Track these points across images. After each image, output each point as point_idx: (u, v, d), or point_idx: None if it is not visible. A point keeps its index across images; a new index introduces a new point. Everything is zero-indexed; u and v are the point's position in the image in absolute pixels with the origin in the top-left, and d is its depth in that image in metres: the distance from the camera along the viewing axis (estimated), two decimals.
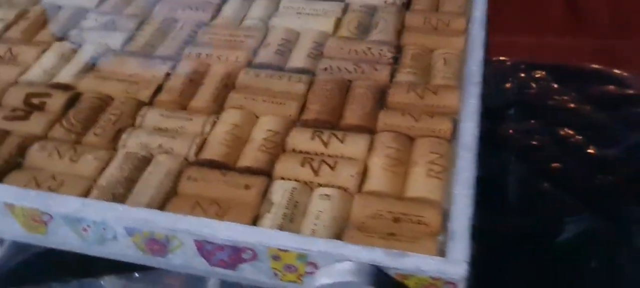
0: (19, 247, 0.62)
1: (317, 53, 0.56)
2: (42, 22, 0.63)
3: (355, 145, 0.47)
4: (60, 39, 0.60)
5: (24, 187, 0.45)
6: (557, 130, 0.67)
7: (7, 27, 0.62)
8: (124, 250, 0.43)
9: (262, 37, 0.58)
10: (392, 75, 0.53)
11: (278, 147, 0.47)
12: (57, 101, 0.53)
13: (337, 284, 0.37)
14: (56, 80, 0.55)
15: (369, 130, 0.49)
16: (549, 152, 0.65)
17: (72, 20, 0.62)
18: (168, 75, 0.55)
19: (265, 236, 0.39)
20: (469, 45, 0.54)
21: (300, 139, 0.48)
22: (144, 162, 0.47)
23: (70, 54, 0.58)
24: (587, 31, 0.77)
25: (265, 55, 0.56)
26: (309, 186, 0.45)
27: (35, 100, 0.53)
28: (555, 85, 0.72)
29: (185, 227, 0.40)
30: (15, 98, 0.54)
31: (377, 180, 0.44)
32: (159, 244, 0.42)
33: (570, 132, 0.67)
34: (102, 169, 0.47)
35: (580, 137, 0.66)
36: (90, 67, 0.56)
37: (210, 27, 0.60)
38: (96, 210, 0.41)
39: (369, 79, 0.53)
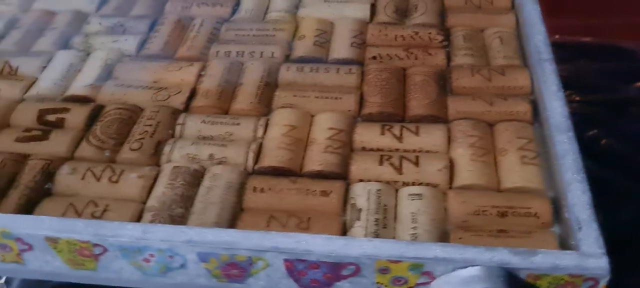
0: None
1: (360, 42, 0.51)
2: (37, 30, 0.55)
3: (431, 136, 0.43)
4: (64, 47, 0.53)
5: (63, 217, 0.38)
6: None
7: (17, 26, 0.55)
8: (194, 279, 0.37)
9: (293, 30, 0.53)
10: (449, 59, 0.49)
11: (346, 147, 0.42)
12: (77, 116, 0.46)
13: None
14: (70, 92, 0.48)
15: (439, 119, 0.44)
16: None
17: (71, 26, 0.55)
18: (200, 77, 0.49)
19: (375, 247, 0.33)
20: (525, 21, 0.50)
21: (369, 135, 0.43)
22: (196, 176, 0.41)
23: (79, 63, 0.51)
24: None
25: (303, 48, 0.51)
26: (392, 186, 0.40)
27: (51, 117, 0.46)
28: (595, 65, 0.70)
29: (275, 245, 0.34)
30: (26, 116, 0.47)
31: (468, 173, 0.40)
32: (239, 268, 0.36)
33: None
34: (150, 188, 0.41)
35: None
36: (106, 76, 0.50)
37: (233, 22, 0.55)
38: (163, 236, 0.35)
39: (425, 65, 0.49)
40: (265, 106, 0.46)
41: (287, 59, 0.50)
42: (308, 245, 0.34)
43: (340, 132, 0.43)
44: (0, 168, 0.42)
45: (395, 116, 0.45)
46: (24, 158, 0.43)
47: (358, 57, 0.50)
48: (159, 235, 0.35)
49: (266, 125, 0.44)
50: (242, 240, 0.35)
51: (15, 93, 0.49)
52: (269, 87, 0.47)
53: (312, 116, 0.45)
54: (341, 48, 0.51)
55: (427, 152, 0.42)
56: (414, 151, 0.42)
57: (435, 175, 0.40)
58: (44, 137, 0.44)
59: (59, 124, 0.46)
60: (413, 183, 0.40)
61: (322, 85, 0.47)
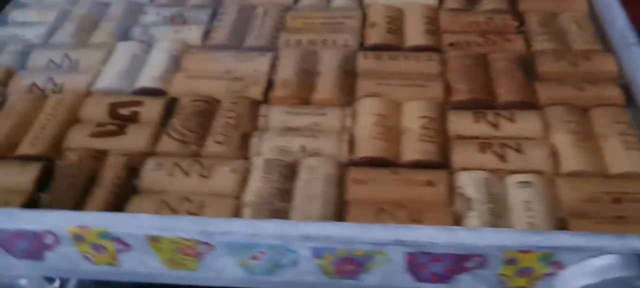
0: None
1: (434, 28, 0.50)
2: (92, 21, 0.53)
3: (528, 123, 0.41)
4: (122, 39, 0.51)
5: (157, 214, 0.36)
6: None
7: (52, 30, 0.52)
8: (302, 276, 0.35)
9: (362, 17, 0.51)
10: (528, 44, 0.48)
11: (441, 135, 0.41)
12: (151, 109, 0.44)
13: (605, 282, 0.31)
14: (140, 85, 0.46)
15: (530, 105, 0.43)
16: None
17: (128, 16, 0.53)
18: (273, 67, 0.47)
19: (507, 237, 0.32)
20: (601, 5, 0.49)
21: (464, 123, 0.42)
22: (291, 169, 0.39)
23: (142, 55, 0.49)
24: None
25: (377, 35, 0.49)
26: (497, 174, 0.38)
27: (124, 111, 0.44)
28: None
29: (399, 238, 0.33)
30: (97, 111, 0.44)
31: (574, 159, 0.39)
32: (354, 263, 0.34)
33: None
34: (243, 183, 0.39)
35: None
36: (174, 67, 0.48)
37: (298, 10, 0.53)
38: (278, 231, 0.34)
39: (505, 51, 0.47)
40: (347, 95, 0.44)
41: (361, 46, 0.49)
42: (435, 237, 0.33)
43: (433, 120, 0.42)
44: (77, 165, 0.40)
45: (484, 103, 0.43)
46: (101, 154, 0.41)
47: (434, 44, 0.48)
48: (272, 230, 0.34)
49: (353, 115, 0.43)
50: (364, 233, 0.33)
51: (81, 86, 0.46)
52: (348, 75, 0.46)
53: (399, 104, 0.44)
54: (416, 35, 0.49)
55: (526, 138, 0.41)
56: (514, 138, 0.40)
57: (541, 162, 0.39)
58: (120, 131, 0.42)
59: (134, 118, 0.44)
60: (518, 171, 0.38)
61: (404, 73, 0.46)
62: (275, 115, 0.43)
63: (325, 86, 0.45)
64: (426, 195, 0.37)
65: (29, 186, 0.39)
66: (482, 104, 0.43)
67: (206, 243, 0.34)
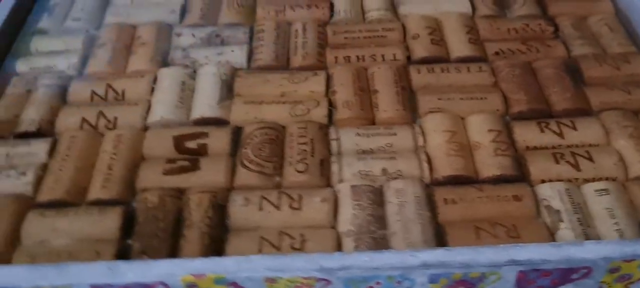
0: None
1: (475, 37, 0.51)
2: (124, 46, 0.51)
3: (589, 130, 0.44)
4: (162, 64, 0.50)
5: (260, 253, 0.36)
6: None
7: (84, 59, 0.50)
8: None
9: (402, 29, 0.52)
10: (568, 50, 0.50)
11: (511, 147, 0.43)
12: (218, 140, 0.43)
13: None
14: (198, 114, 0.45)
15: (585, 111, 0.45)
16: None
17: (161, 39, 0.52)
18: (330, 86, 0.47)
19: (616, 249, 0.34)
20: (628, 7, 0.52)
21: (530, 134, 0.43)
22: (378, 194, 0.40)
23: (190, 81, 0.48)
24: None
25: (423, 48, 0.50)
26: (574, 183, 0.41)
27: (190, 144, 0.43)
28: None
29: (515, 258, 0.34)
30: (161, 145, 0.43)
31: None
32: (467, 285, 0.36)
33: None
34: (335, 212, 0.39)
35: None
36: (227, 93, 0.47)
37: (337, 25, 0.53)
38: (397, 262, 0.34)
39: (548, 57, 0.49)
40: (410, 112, 0.45)
41: (409, 60, 0.50)
42: (547, 254, 0.34)
43: (500, 133, 0.43)
44: (160, 207, 0.39)
45: (542, 112, 0.45)
46: (179, 192, 0.40)
47: (480, 54, 0.50)
48: (393, 262, 0.34)
49: (423, 133, 0.44)
50: (480, 256, 0.34)
51: (135, 120, 0.45)
52: (405, 91, 0.47)
53: (462, 119, 0.45)
54: (460, 45, 0.50)
55: (590, 146, 0.43)
56: (578, 146, 0.43)
57: (612, 168, 0.41)
58: (194, 167, 0.42)
59: (202, 151, 0.43)
60: (593, 179, 0.41)
61: (460, 86, 0.47)
62: (347, 139, 0.43)
63: (387, 104, 0.46)
64: (515, 210, 0.39)
65: (115, 234, 0.38)
66: (540, 113, 0.45)
67: (325, 279, 0.34)
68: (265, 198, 0.40)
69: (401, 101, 0.46)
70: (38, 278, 0.34)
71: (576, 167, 0.41)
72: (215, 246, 0.37)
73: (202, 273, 0.34)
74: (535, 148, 0.43)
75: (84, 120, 0.45)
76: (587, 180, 0.41)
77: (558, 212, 0.39)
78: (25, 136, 0.44)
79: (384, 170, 0.41)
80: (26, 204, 0.40)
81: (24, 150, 0.43)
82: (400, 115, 0.45)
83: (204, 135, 0.44)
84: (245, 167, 0.42)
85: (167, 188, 0.41)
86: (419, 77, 0.48)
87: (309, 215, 0.39)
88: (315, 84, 0.47)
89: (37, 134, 0.44)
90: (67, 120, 0.45)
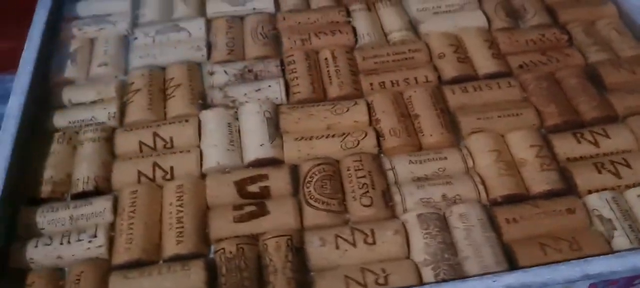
0: None
1: (497, 52, 0.54)
2: (159, 90, 0.51)
3: (620, 136, 0.47)
4: (203, 107, 0.50)
5: None
6: None
7: (122, 107, 0.50)
8: None
9: (427, 49, 0.54)
10: (585, 57, 0.53)
11: (554, 161, 0.46)
12: (279, 181, 0.45)
13: None
14: (253, 156, 0.46)
15: (611, 118, 0.49)
16: None
17: (193, 79, 0.52)
18: (372, 115, 0.49)
19: None
20: (633, 9, 0.56)
21: (568, 146, 0.47)
22: (443, 220, 0.42)
23: (234, 121, 0.49)
24: None
25: (451, 67, 0.52)
26: (617, 191, 0.44)
27: (252, 188, 0.44)
28: None
29: (588, 272, 0.37)
30: (224, 193, 0.44)
31: None
32: None
33: None
34: (408, 243, 0.41)
35: None
36: (273, 130, 0.48)
37: (363, 50, 0.54)
38: None
39: (568, 66, 0.53)
40: (454, 134, 0.48)
41: (440, 80, 0.52)
42: (614, 265, 0.38)
43: (542, 147, 0.46)
44: (241, 256, 0.40)
45: (574, 123, 0.48)
46: (254, 239, 0.42)
47: (505, 69, 0.52)
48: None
49: (470, 155, 0.46)
50: (556, 274, 0.37)
51: (192, 168, 0.46)
52: (444, 113, 0.49)
53: (502, 136, 0.48)
54: (485, 61, 0.53)
55: (624, 152, 0.46)
56: (613, 153, 0.46)
57: None
58: (263, 211, 0.43)
59: (265, 194, 0.44)
60: (634, 185, 0.44)
61: (495, 103, 0.49)
62: (402, 167, 0.45)
63: (431, 128, 0.48)
64: (570, 222, 0.42)
65: None
66: (573, 124, 0.48)
67: None
68: (339, 237, 0.41)
69: (444, 124, 0.48)
70: None
71: (617, 174, 0.45)
72: None
73: None
74: (575, 159, 0.46)
75: (140, 173, 0.45)
76: (628, 187, 0.44)
77: (610, 220, 0.42)
78: (83, 196, 0.44)
79: (444, 196, 0.44)
80: (104, 268, 0.41)
81: (88, 210, 0.43)
82: (446, 139, 0.47)
83: (265, 177, 0.45)
84: (312, 206, 0.43)
85: (242, 236, 0.42)
86: (454, 97, 0.50)
87: (385, 249, 0.41)
88: (358, 113, 0.49)
89: (95, 192, 0.45)
90: (123, 175, 0.45)
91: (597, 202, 0.43)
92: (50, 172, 0.46)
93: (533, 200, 0.44)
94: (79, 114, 0.49)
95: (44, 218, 0.43)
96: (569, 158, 0.46)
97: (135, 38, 0.56)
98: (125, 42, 0.56)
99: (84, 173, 0.45)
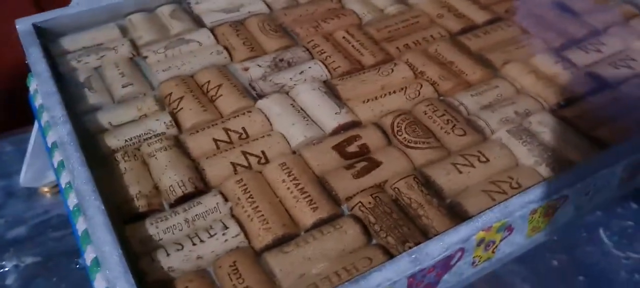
0: None
1: (482, 5, 0.60)
2: (202, 93, 0.49)
3: None
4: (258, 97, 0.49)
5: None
6: None
7: (172, 115, 0.47)
8: None
9: (425, 14, 0.59)
10: None
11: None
12: (371, 137, 0.46)
13: None
14: (335, 123, 0.46)
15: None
16: None
17: (231, 79, 0.50)
18: (415, 69, 0.52)
19: None
20: None
21: (580, 59, 0.54)
22: (527, 130, 0.47)
23: (296, 103, 0.48)
24: None
25: (453, 23, 0.58)
26: None
27: (351, 148, 0.45)
28: None
29: None
30: (328, 160, 0.44)
31: None
32: None
33: None
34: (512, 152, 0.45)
35: None
36: (338, 102, 0.48)
37: (373, 24, 0.57)
38: None
39: None
40: (488, 68, 0.53)
41: (451, 34, 0.57)
42: None
43: (564, 60, 0.53)
44: (382, 204, 0.41)
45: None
46: (379, 188, 0.42)
47: (494, 15, 0.59)
48: None
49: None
50: None
51: (284, 148, 0.45)
52: (472, 55, 0.54)
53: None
54: (478, 12, 0.59)
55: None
56: None
57: None
58: (375, 164, 0.43)
59: (365, 150, 0.45)
60: None
61: (506, 40, 0.56)
62: (468, 101, 0.49)
63: (469, 68, 0.52)
64: None
65: (363, 240, 0.39)
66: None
67: None
68: (456, 164, 0.43)
69: (477, 63, 0.53)
70: None
71: None
72: (452, 214, 0.40)
73: (490, 226, 0.37)
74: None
75: (234, 164, 0.43)
76: None
77: None
78: (183, 200, 0.41)
79: (516, 112, 0.48)
80: (251, 253, 0.38)
81: (200, 210, 0.40)
82: (486, 73, 0.52)
83: (358, 137, 0.45)
84: (414, 148, 0.45)
85: (369, 188, 0.42)
86: (472, 42, 0.55)
87: (499, 163, 0.44)
88: (403, 71, 0.52)
89: (196, 193, 0.41)
90: (218, 170, 0.43)
91: None
92: (135, 188, 0.41)
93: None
94: (130, 131, 0.45)
95: (158, 229, 0.39)
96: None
97: (145, 57, 0.52)
98: (135, 63, 0.52)
99: (175, 179, 0.42)
